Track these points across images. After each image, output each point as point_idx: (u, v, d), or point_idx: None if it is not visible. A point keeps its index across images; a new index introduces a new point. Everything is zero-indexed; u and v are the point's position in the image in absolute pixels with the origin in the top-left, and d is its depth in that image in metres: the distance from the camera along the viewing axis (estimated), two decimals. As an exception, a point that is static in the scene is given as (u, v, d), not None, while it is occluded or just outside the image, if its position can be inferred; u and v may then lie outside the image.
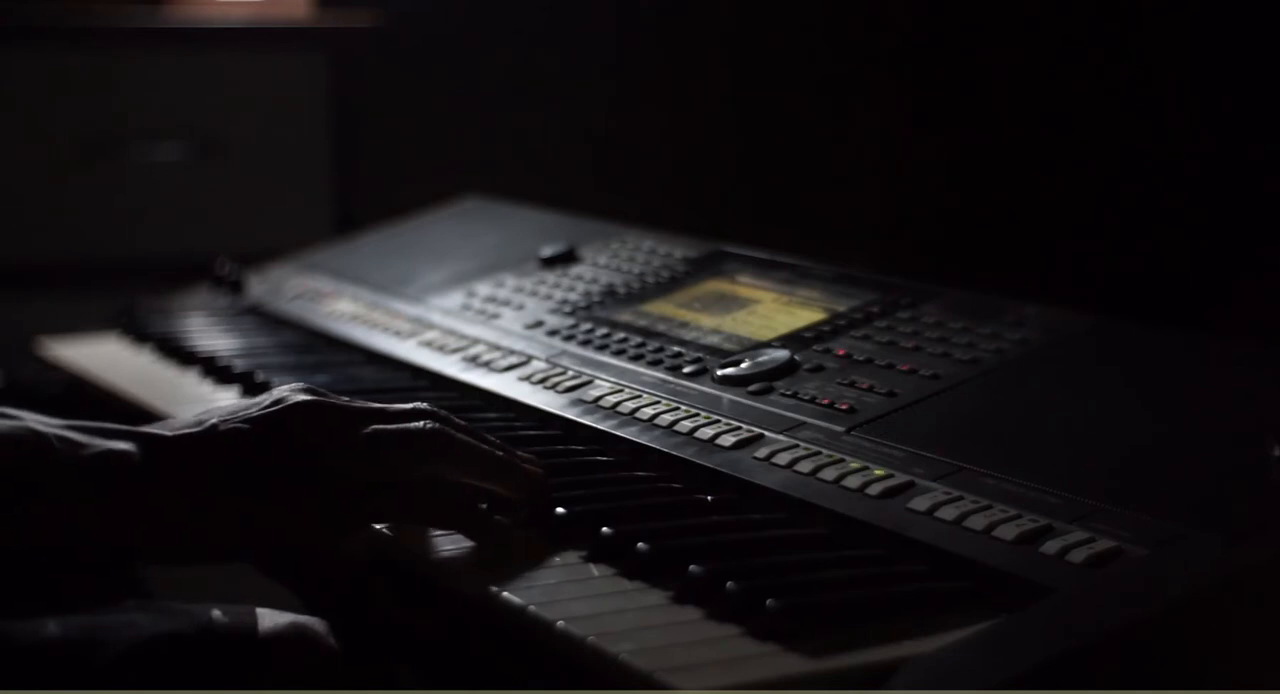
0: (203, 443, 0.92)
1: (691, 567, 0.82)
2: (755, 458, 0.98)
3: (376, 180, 2.38)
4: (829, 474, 0.94)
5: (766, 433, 1.01)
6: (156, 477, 0.91)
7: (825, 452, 0.97)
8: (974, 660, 0.73)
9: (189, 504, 0.91)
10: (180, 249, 2.18)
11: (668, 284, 1.32)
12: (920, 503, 0.88)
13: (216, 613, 1.01)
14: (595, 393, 1.13)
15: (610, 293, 1.33)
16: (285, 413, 0.94)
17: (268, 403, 0.95)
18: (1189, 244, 1.96)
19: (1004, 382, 1.04)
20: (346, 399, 0.97)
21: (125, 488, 0.90)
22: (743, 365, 1.12)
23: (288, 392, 0.96)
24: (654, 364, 1.16)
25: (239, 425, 0.93)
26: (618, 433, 1.07)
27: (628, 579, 0.85)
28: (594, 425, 1.09)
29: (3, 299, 2.12)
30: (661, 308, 1.28)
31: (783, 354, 1.12)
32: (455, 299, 1.41)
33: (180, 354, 1.38)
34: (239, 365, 1.29)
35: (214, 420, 0.93)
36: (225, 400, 1.21)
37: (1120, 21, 2.04)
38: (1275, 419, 0.88)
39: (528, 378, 1.19)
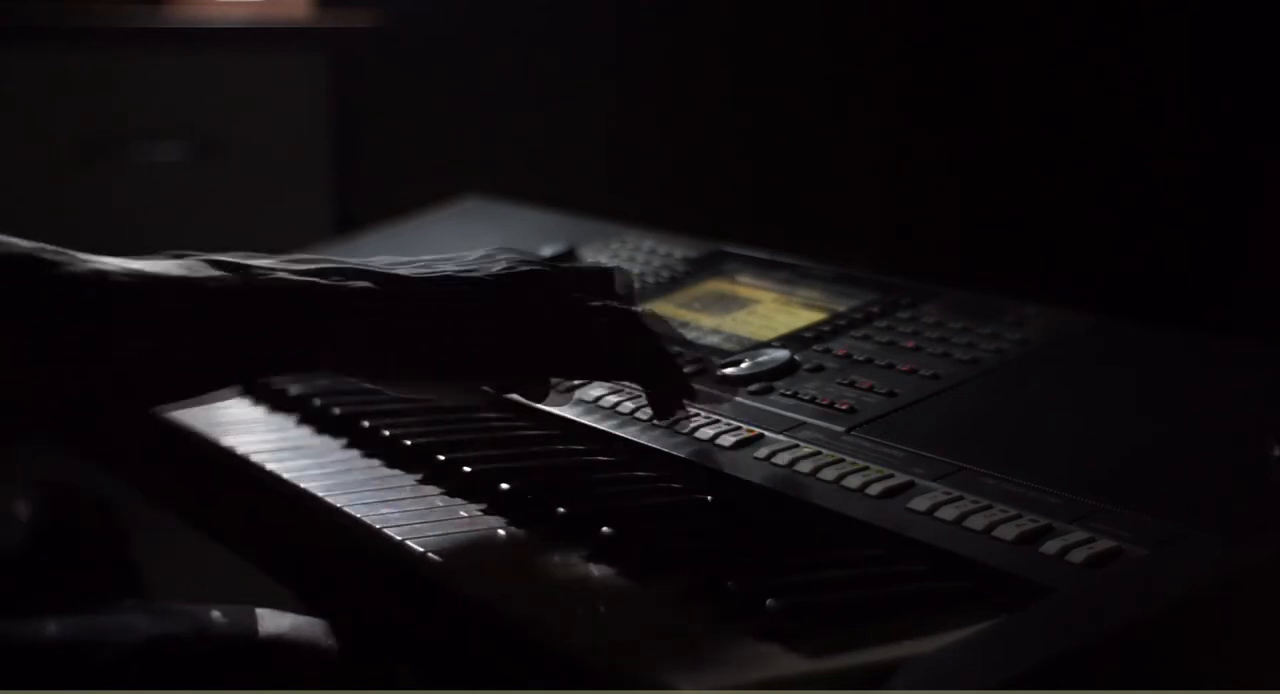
0: (438, 286, 0.98)
1: (690, 566, 0.82)
2: (755, 458, 0.98)
3: (376, 180, 2.38)
4: (829, 474, 0.94)
5: (766, 433, 1.01)
6: (400, 309, 0.96)
7: (825, 452, 0.97)
8: (974, 660, 0.73)
9: (423, 334, 0.97)
10: (180, 249, 2.17)
11: (668, 284, 1.32)
12: (920, 503, 0.88)
13: (216, 614, 1.01)
14: (595, 393, 1.13)
15: (610, 293, 1.33)
16: (515, 279, 0.99)
17: (498, 269, 1.00)
18: (1189, 244, 1.96)
19: (1004, 382, 1.04)
20: (567, 271, 1.03)
21: (371, 317, 0.96)
22: (743, 365, 1.12)
23: (515, 259, 1.01)
24: (654, 364, 1.16)
25: (474, 276, 0.99)
26: (618, 433, 1.07)
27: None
28: (594, 425, 1.09)
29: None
30: (661, 308, 1.28)
31: (783, 354, 1.12)
32: (455, 299, 1.41)
33: (180, 354, 1.38)
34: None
35: (450, 269, 0.99)
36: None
37: (1120, 21, 2.04)
38: (1275, 419, 0.88)
39: (528, 378, 1.19)
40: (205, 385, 0.93)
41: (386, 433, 1.09)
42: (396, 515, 0.96)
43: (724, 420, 1.04)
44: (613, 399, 1.11)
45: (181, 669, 0.98)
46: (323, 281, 0.95)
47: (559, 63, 2.59)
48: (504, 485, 0.97)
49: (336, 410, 1.16)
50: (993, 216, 2.22)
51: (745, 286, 1.28)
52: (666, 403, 1.03)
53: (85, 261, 0.88)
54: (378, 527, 0.94)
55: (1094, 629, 0.73)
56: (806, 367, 1.10)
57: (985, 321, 1.11)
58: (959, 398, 1.02)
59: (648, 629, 0.78)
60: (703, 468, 0.99)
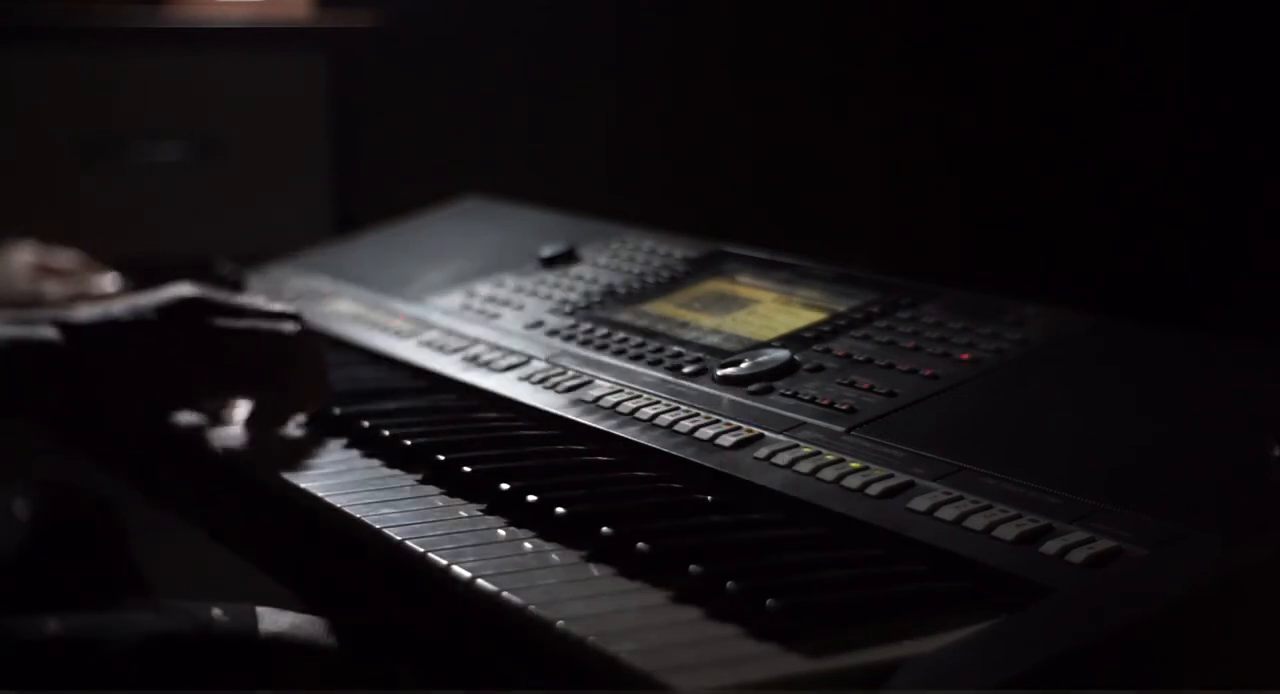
0: (110, 329, 1.11)
1: (691, 567, 0.82)
2: (755, 458, 0.98)
3: (376, 180, 2.38)
4: (829, 474, 0.94)
5: (766, 433, 1.01)
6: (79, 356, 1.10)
7: (825, 452, 0.97)
8: (974, 660, 0.73)
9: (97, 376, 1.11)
10: (180, 249, 2.18)
11: (668, 284, 1.32)
12: (920, 503, 0.88)
13: (217, 612, 1.01)
14: (595, 393, 1.13)
15: (610, 293, 1.33)
16: (174, 307, 1.13)
17: (156, 302, 1.13)
18: (1189, 244, 1.96)
19: (1004, 382, 1.04)
20: (225, 302, 1.15)
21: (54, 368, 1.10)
22: (743, 365, 1.12)
23: (178, 289, 1.15)
24: (654, 364, 1.17)
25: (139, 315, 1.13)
26: (618, 433, 1.07)
27: (628, 579, 0.85)
28: (594, 425, 1.09)
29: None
30: (661, 308, 1.28)
31: (783, 354, 1.12)
32: (455, 299, 1.41)
33: (180, 354, 1.38)
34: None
35: (117, 313, 1.12)
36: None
37: (1120, 21, 2.04)
38: (1275, 419, 0.88)
39: (528, 378, 1.20)
40: None
41: (386, 433, 1.09)
42: (396, 515, 0.96)
43: (724, 420, 1.04)
44: (612, 399, 1.11)
45: (182, 668, 0.98)
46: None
47: (559, 63, 2.59)
48: (504, 485, 0.97)
49: (336, 410, 1.16)
50: (993, 216, 2.21)
51: (745, 286, 1.28)
52: (268, 418, 1.14)
53: None
54: (378, 527, 0.95)
55: (1094, 629, 0.74)
56: (806, 367, 1.10)
57: (985, 321, 1.11)
58: (959, 398, 1.02)
59: (648, 629, 0.78)
60: (703, 468, 0.99)
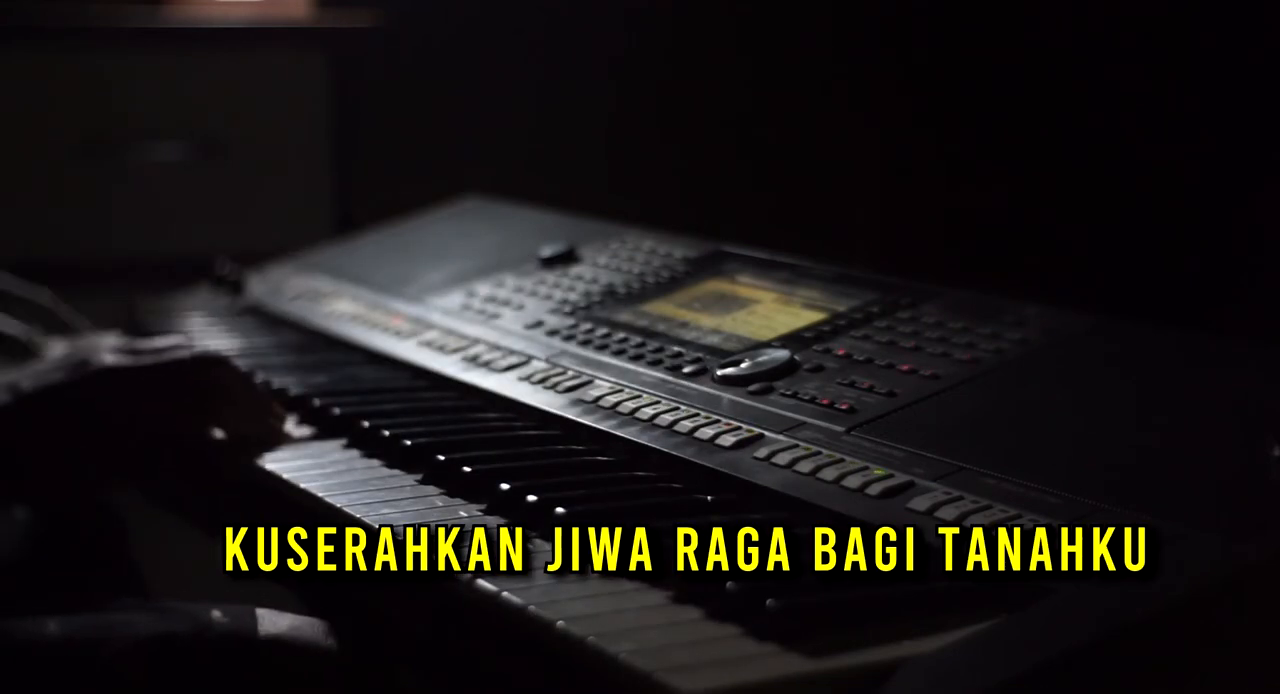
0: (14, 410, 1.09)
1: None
2: (755, 458, 0.98)
3: (376, 180, 2.38)
4: (829, 474, 0.94)
5: (766, 433, 1.01)
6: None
7: (825, 452, 0.97)
8: (974, 660, 0.73)
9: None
10: (180, 249, 2.18)
11: (668, 284, 1.32)
12: (920, 503, 0.88)
13: (216, 613, 1.01)
14: (595, 393, 1.13)
15: (610, 293, 1.33)
16: (86, 381, 1.11)
17: (65, 376, 1.11)
18: (1189, 244, 1.96)
19: (1004, 381, 1.04)
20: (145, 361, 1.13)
21: None
22: (743, 365, 1.12)
23: (92, 354, 1.14)
24: (654, 364, 1.16)
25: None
26: (618, 433, 1.07)
27: (628, 579, 0.85)
28: (594, 425, 1.09)
29: (2, 298, 2.11)
30: (661, 308, 1.28)
31: (783, 354, 1.12)
32: (455, 299, 1.41)
33: (180, 354, 1.38)
34: (239, 366, 1.29)
35: (26, 390, 1.10)
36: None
37: (1120, 22, 2.04)
38: (1275, 419, 0.88)
39: (528, 378, 1.20)
40: None
41: (386, 433, 1.09)
42: (396, 515, 0.96)
43: (724, 420, 1.04)
44: (612, 399, 1.11)
45: (182, 668, 0.98)
46: None
47: (559, 63, 2.59)
48: (504, 485, 0.97)
49: (336, 410, 1.16)
50: (993, 217, 2.22)
51: (745, 286, 1.28)
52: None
53: None
54: (377, 527, 0.94)
55: (1094, 629, 0.74)
56: (806, 367, 1.10)
57: (985, 321, 1.11)
58: (959, 398, 1.02)
59: (648, 629, 0.78)
60: (703, 468, 0.99)
